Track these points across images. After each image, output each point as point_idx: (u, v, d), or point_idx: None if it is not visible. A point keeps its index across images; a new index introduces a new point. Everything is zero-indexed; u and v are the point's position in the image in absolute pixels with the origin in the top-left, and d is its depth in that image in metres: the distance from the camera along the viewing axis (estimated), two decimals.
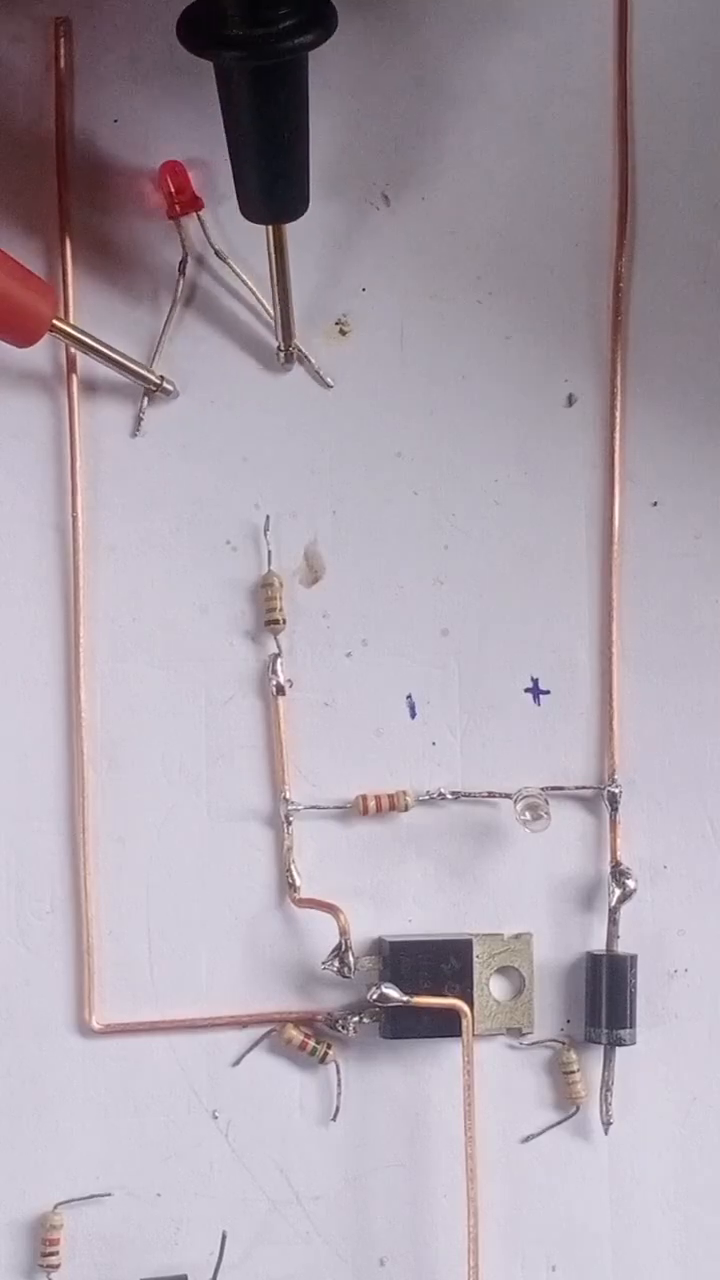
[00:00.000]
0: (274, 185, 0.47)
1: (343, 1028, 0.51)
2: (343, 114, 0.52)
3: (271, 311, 0.51)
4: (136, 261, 0.51)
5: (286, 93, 0.45)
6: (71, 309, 0.51)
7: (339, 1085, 0.51)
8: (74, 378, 0.51)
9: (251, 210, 0.48)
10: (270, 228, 0.48)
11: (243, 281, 0.51)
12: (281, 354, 0.51)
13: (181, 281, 0.51)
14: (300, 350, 0.51)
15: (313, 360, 0.52)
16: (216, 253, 0.51)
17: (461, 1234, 0.50)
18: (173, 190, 0.51)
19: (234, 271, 0.51)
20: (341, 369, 0.52)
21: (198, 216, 0.51)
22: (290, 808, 0.51)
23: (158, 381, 0.51)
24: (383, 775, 0.52)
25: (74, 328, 0.50)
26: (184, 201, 0.51)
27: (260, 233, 0.49)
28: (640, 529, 0.53)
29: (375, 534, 0.52)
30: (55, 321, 0.49)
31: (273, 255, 0.49)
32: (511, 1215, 0.52)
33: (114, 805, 0.51)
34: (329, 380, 0.52)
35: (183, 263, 0.51)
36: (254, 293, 0.51)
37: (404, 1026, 0.50)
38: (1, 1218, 0.50)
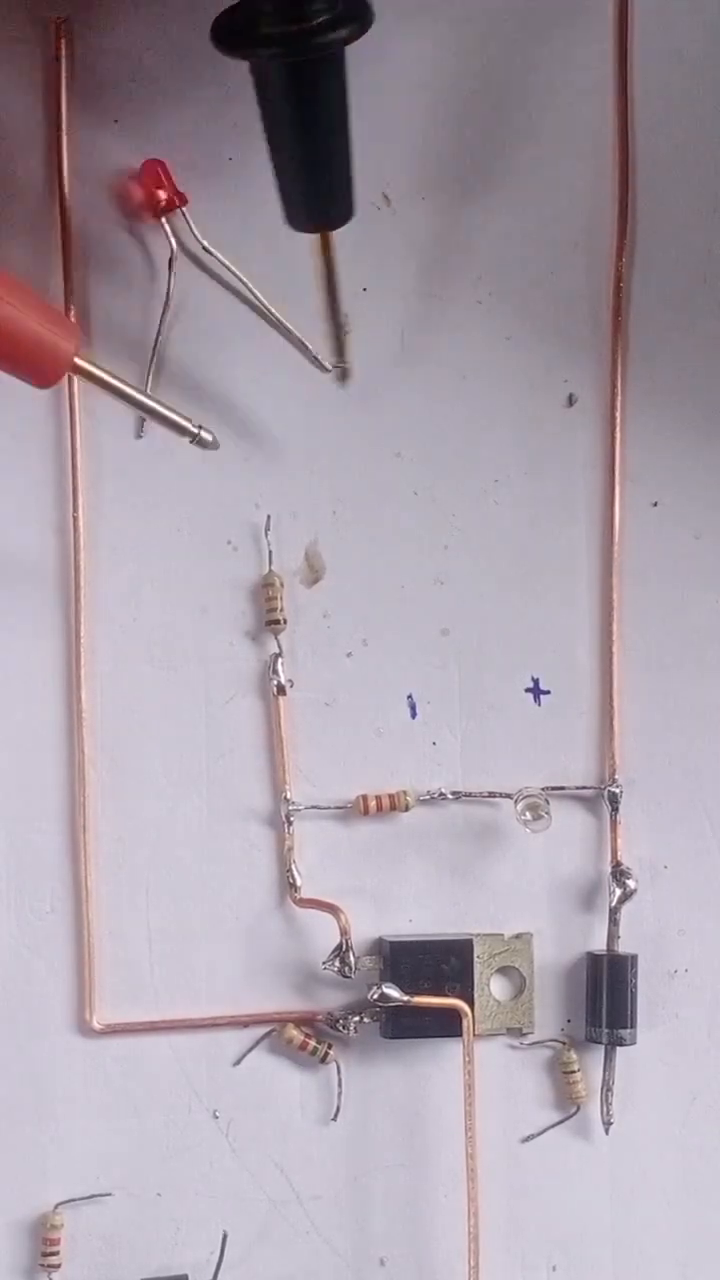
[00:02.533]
0: (317, 189, 0.46)
1: (343, 1028, 0.51)
2: None
3: (271, 315, 0.51)
4: (135, 261, 0.51)
5: (325, 91, 0.45)
6: (71, 309, 0.51)
7: (339, 1085, 0.51)
8: (74, 377, 0.51)
9: (296, 217, 0.47)
10: (318, 236, 0.48)
11: (235, 275, 0.51)
12: (336, 369, 0.51)
13: (172, 279, 0.51)
14: (347, 368, 0.51)
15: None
16: (205, 248, 0.51)
17: (462, 1234, 0.50)
18: (154, 189, 0.50)
19: (225, 266, 0.51)
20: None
21: (183, 213, 0.51)
22: (291, 808, 0.51)
23: (195, 431, 0.49)
24: (383, 775, 0.52)
25: (98, 367, 0.47)
26: (167, 199, 0.50)
27: (251, 229, 0.49)
28: (640, 529, 0.53)
29: (375, 534, 0.52)
30: (77, 361, 0.47)
31: (321, 266, 0.48)
32: (512, 1215, 0.52)
33: (114, 805, 0.51)
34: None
35: (171, 260, 0.51)
36: (247, 286, 0.51)
37: (404, 1026, 0.50)
38: (2, 1218, 0.50)
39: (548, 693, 0.53)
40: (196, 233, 0.51)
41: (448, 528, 0.53)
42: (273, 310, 0.51)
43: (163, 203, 0.50)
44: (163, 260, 0.51)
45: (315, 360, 0.51)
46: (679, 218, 0.53)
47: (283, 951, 0.51)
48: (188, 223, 0.51)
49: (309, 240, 0.49)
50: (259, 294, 0.51)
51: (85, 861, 0.50)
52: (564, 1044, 0.52)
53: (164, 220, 0.51)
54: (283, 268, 0.50)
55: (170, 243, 0.51)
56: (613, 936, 0.52)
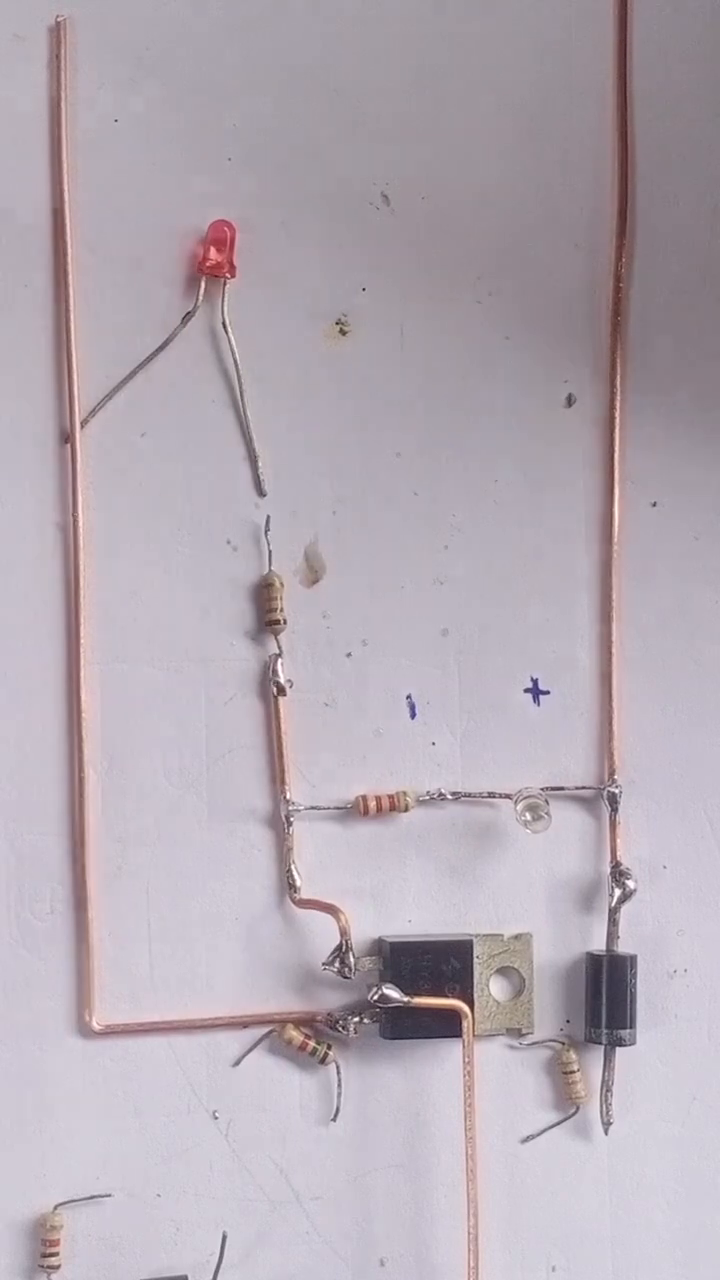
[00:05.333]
0: None
1: (343, 1028, 0.51)
2: (343, 114, 0.52)
3: (244, 418, 0.51)
4: (140, 278, 0.51)
5: None
6: (72, 310, 0.51)
7: (339, 1086, 0.51)
8: (74, 377, 0.51)
9: None
10: None
11: (234, 363, 0.51)
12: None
13: (180, 328, 0.51)
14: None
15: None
16: (224, 324, 0.51)
17: (461, 1234, 0.50)
18: (211, 247, 0.51)
19: (231, 351, 0.51)
20: (341, 368, 0.52)
21: (224, 282, 0.51)
22: (290, 808, 0.51)
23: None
24: (383, 775, 0.52)
25: None
26: (217, 262, 0.51)
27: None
28: (640, 529, 0.53)
29: (375, 534, 0.52)
30: None
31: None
32: (511, 1215, 0.52)
33: (114, 806, 0.51)
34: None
35: (189, 315, 0.51)
36: (239, 378, 0.51)
37: (404, 1027, 0.50)
38: (2, 1218, 0.50)
39: (547, 693, 0.53)
40: (226, 308, 0.51)
41: (447, 528, 0.53)
42: (248, 419, 0.51)
43: (211, 264, 0.51)
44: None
45: (257, 481, 0.51)
46: (678, 219, 0.53)
47: (282, 952, 0.51)
48: (223, 293, 0.51)
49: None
50: (244, 399, 0.51)
51: (85, 862, 0.50)
52: (563, 1044, 0.52)
53: (203, 279, 0.51)
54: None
55: (197, 298, 0.51)
56: (612, 937, 0.52)
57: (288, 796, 0.51)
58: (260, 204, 0.52)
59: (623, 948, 0.52)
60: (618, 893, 0.52)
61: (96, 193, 0.51)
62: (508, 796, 0.52)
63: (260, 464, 0.52)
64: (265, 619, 0.51)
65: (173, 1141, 0.51)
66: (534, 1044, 0.52)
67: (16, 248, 0.51)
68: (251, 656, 0.52)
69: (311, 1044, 0.51)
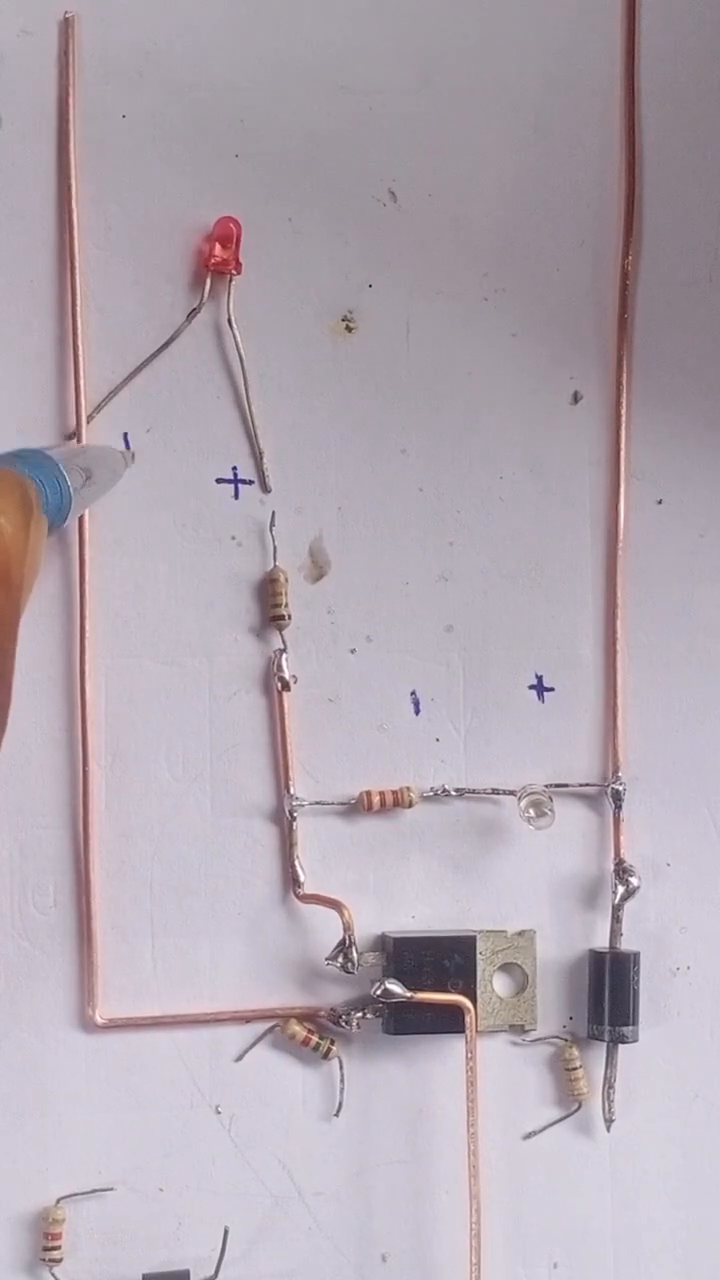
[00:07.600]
0: None
1: (346, 1023, 0.51)
2: (349, 111, 0.52)
3: (250, 418, 0.51)
4: (145, 274, 0.51)
5: None
6: (78, 306, 0.51)
7: (342, 1081, 0.51)
8: (80, 372, 0.51)
9: None
10: None
11: (240, 360, 0.51)
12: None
13: (184, 325, 0.51)
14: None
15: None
16: (230, 321, 0.51)
17: (463, 1230, 0.50)
18: (217, 244, 0.51)
19: (236, 347, 0.51)
20: (347, 365, 0.52)
21: (230, 279, 0.51)
22: (294, 803, 0.51)
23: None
24: (387, 771, 0.52)
25: None
26: (222, 260, 0.51)
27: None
28: (645, 526, 0.53)
29: (380, 530, 0.52)
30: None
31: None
32: (513, 1212, 0.52)
33: (118, 800, 0.51)
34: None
35: (194, 311, 0.51)
36: (244, 376, 0.51)
37: (407, 1022, 0.50)
38: (4, 1212, 0.50)
39: (551, 690, 0.53)
40: (231, 304, 0.51)
41: (452, 524, 0.53)
42: (253, 415, 0.51)
43: (217, 260, 0.51)
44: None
45: (262, 477, 0.51)
46: (685, 215, 0.53)
47: (286, 947, 0.51)
48: (229, 289, 0.51)
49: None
50: (249, 394, 0.51)
51: (88, 856, 0.50)
52: (566, 1041, 0.52)
53: (209, 276, 0.51)
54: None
55: (203, 294, 0.51)
56: (615, 934, 0.52)
57: (291, 792, 0.51)
58: (266, 200, 0.52)
59: (626, 945, 0.52)
60: (621, 890, 0.52)
61: (103, 188, 0.51)
62: (511, 793, 0.52)
63: (265, 460, 0.52)
64: (269, 614, 0.51)
65: (175, 1136, 0.51)
66: (536, 1040, 0.52)
67: (22, 243, 0.51)
68: (255, 652, 0.52)
69: (314, 1039, 0.51)
